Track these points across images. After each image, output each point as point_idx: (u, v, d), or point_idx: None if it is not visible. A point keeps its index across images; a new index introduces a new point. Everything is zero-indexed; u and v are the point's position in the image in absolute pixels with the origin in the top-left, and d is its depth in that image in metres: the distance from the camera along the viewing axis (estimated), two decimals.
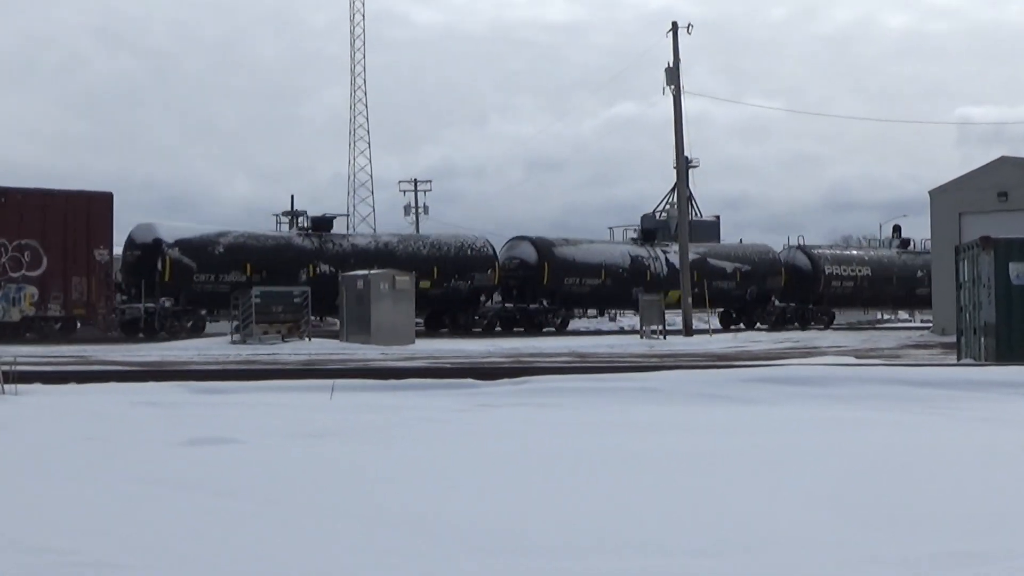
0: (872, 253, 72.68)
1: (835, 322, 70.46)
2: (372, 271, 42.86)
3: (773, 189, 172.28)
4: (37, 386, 17.47)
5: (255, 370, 22.52)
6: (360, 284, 41.99)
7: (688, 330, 50.06)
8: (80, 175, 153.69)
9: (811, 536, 6.88)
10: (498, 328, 56.62)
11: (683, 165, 54.75)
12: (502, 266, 56.67)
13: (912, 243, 74.27)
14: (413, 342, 40.55)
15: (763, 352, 35.63)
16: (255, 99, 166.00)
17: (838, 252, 71.19)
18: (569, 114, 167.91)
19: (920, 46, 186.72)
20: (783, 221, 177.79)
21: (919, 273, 69.20)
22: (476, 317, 55.69)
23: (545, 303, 56.86)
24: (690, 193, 66.51)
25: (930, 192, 53.07)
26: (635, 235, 65.04)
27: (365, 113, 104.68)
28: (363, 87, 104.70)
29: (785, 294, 66.51)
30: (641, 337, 47.28)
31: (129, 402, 15.46)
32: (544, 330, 56.02)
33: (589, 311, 64.27)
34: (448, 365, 25.58)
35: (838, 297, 69.30)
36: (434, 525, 7.20)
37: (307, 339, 41.14)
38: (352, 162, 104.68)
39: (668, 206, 75.26)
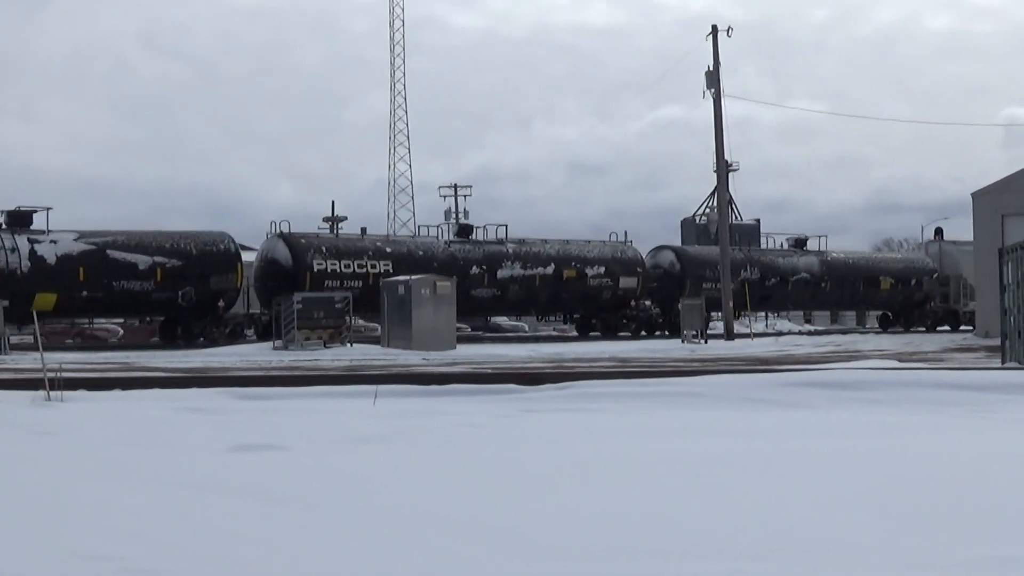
0: (411, 242, 55.13)
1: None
2: (413, 276, 42.96)
3: (816, 192, 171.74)
4: (82, 392, 17.61)
5: (298, 376, 22.61)
6: (401, 289, 42.11)
7: (729, 334, 49.97)
8: (126, 182, 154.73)
9: (848, 540, 6.88)
10: None
11: (723, 168, 54.61)
12: None
13: (475, 231, 56.96)
14: (455, 347, 40.61)
15: (805, 356, 35.49)
16: (298, 104, 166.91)
17: (342, 242, 52.29)
18: (612, 118, 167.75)
19: (964, 47, 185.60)
20: (826, 224, 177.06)
21: (475, 269, 53.83)
22: None
23: None
24: (730, 196, 66.13)
25: (972, 194, 52.77)
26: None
27: (405, 119, 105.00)
28: (403, 93, 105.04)
29: (261, 297, 50.80)
30: (682, 341, 47.26)
31: (173, 408, 15.56)
32: None
33: None
34: (490, 370, 25.59)
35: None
36: (480, 530, 7.22)
37: (349, 345, 41.28)
38: (392, 167, 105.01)
39: (708, 209, 75.01)
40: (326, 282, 49.27)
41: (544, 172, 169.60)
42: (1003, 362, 27.30)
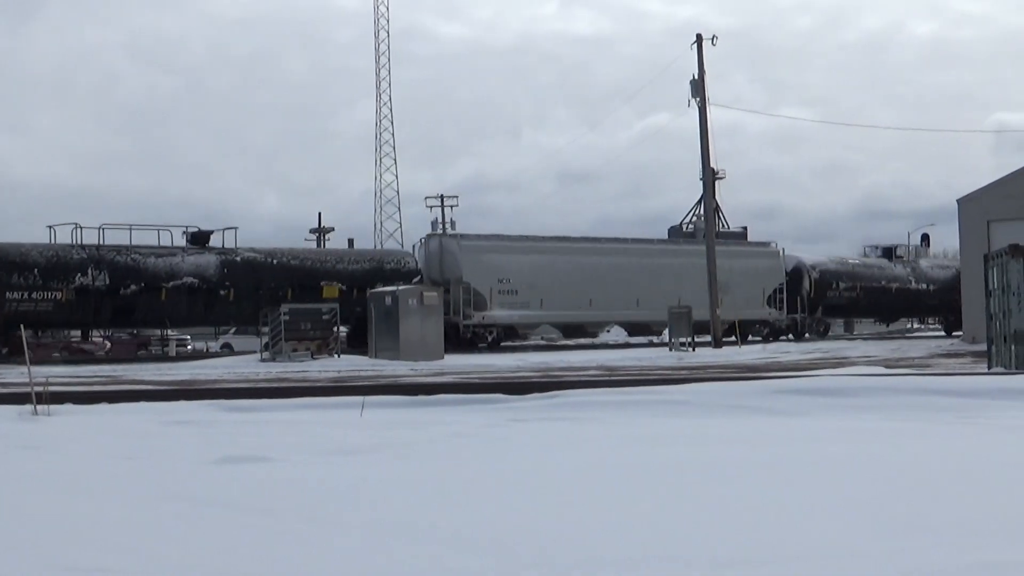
0: None
1: None
2: (400, 287, 42.97)
3: (805, 199, 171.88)
4: (69, 406, 17.56)
5: (285, 388, 22.59)
6: (388, 300, 42.11)
7: (717, 342, 50.03)
8: (114, 193, 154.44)
9: (839, 547, 6.88)
10: None
11: (709, 176, 54.71)
12: None
13: None
14: (442, 357, 40.66)
15: (792, 363, 35.56)
16: (286, 115, 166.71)
17: None
18: (600, 126, 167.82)
19: (949, 53, 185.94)
20: (815, 231, 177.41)
21: None
22: None
23: None
24: (717, 204, 66.02)
25: (958, 200, 52.91)
26: None
27: (391, 129, 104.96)
28: (388, 103, 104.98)
29: None
30: (670, 349, 47.29)
31: (160, 421, 15.54)
32: None
33: None
34: (478, 380, 25.61)
35: None
36: (468, 541, 7.22)
37: (337, 356, 41.26)
38: (379, 178, 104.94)
39: (695, 217, 75.07)
40: None
41: (533, 181, 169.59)
42: (989, 367, 27.38)
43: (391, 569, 6.53)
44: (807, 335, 65.10)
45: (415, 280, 52.62)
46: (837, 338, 68.77)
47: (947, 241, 75.81)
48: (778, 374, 24.29)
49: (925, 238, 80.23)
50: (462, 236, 57.26)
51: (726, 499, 8.65)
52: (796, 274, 66.37)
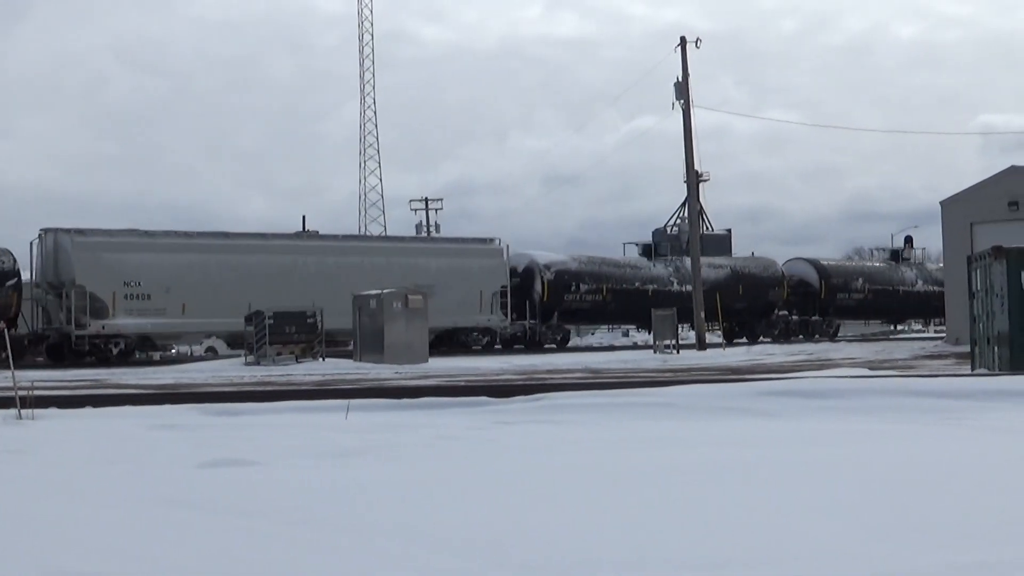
0: None
1: None
2: (385, 290, 42.89)
3: (792, 201, 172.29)
4: (53, 410, 17.51)
5: (270, 391, 22.55)
6: (373, 303, 42.05)
7: (701, 344, 50.07)
8: (102, 196, 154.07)
9: (826, 548, 6.89)
10: None
11: (693, 179, 54.70)
12: None
13: None
14: (427, 360, 40.60)
15: (777, 365, 35.62)
16: (272, 118, 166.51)
17: None
18: (585, 129, 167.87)
19: (935, 55, 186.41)
20: (801, 233, 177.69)
21: None
22: None
23: None
24: (700, 207, 65.75)
25: (941, 202, 53.01)
26: None
27: (375, 132, 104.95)
28: (372, 106, 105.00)
29: None
30: (655, 352, 47.28)
31: (146, 425, 15.50)
32: None
33: None
34: (462, 383, 25.58)
35: None
36: (461, 542, 7.22)
37: (321, 359, 41.21)
38: (363, 181, 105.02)
39: (679, 220, 75.12)
40: None
41: (519, 184, 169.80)
42: (972, 369, 27.46)
43: (386, 570, 6.53)
44: (545, 344, 57.16)
45: (10, 283, 44.78)
46: (572, 350, 57.03)
47: (931, 243, 75.44)
48: (763, 376, 24.32)
49: (908, 240, 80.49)
50: (77, 231, 47.39)
51: (717, 501, 8.65)
52: (528, 275, 58.36)
